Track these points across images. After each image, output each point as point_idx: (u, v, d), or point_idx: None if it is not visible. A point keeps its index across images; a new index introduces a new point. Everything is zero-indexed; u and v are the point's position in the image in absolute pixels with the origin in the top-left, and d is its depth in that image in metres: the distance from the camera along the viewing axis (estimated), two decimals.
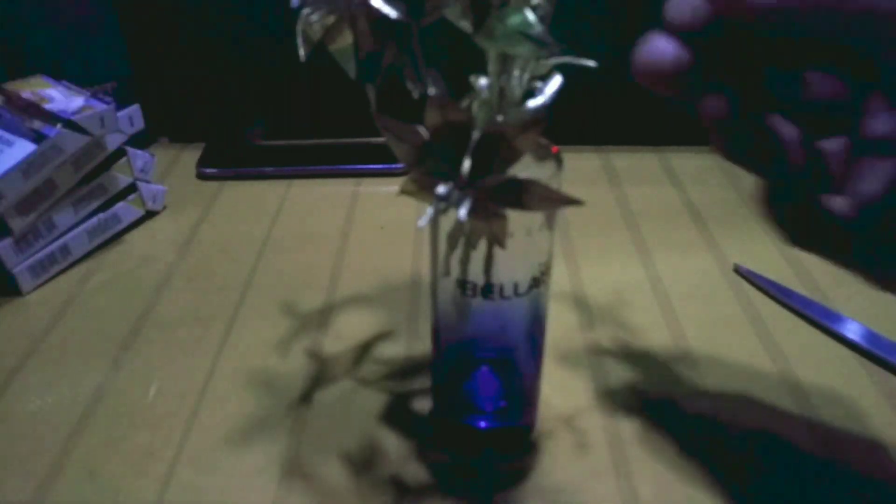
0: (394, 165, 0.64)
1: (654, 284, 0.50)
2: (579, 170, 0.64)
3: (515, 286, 0.32)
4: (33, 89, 0.53)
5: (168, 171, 0.65)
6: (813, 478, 0.37)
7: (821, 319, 0.47)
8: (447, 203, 0.25)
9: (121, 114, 0.53)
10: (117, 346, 0.45)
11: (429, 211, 0.25)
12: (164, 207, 0.59)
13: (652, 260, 0.53)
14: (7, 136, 0.49)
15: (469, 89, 0.28)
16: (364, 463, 0.37)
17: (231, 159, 0.65)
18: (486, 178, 0.26)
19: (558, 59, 0.27)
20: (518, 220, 0.28)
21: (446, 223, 0.31)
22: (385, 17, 0.25)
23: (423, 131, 0.26)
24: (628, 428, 0.39)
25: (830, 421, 0.40)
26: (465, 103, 0.28)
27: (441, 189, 0.25)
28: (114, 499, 0.35)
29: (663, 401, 0.41)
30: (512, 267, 0.31)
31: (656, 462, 0.37)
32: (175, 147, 0.69)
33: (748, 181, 0.63)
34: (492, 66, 0.27)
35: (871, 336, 0.45)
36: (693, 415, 0.40)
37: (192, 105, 0.69)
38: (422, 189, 0.27)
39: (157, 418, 0.40)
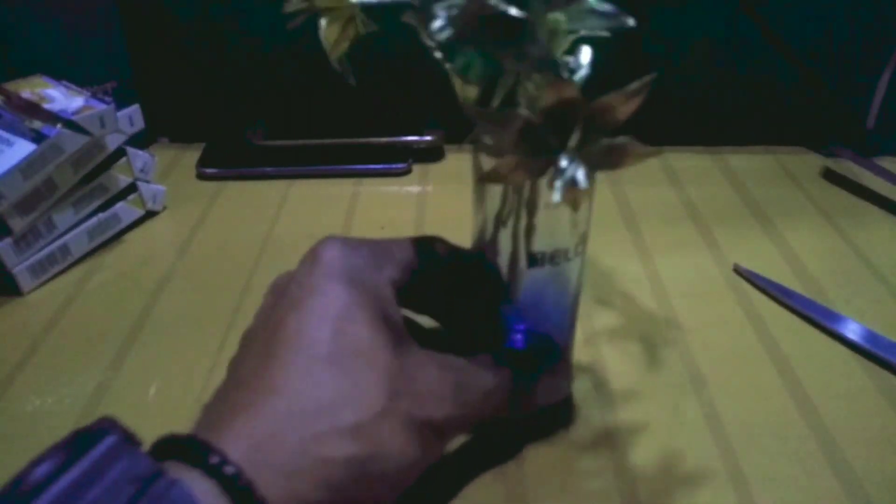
0: (394, 165, 0.65)
1: (653, 283, 0.50)
2: None
3: (566, 251, 0.35)
4: (33, 89, 0.53)
5: (168, 171, 0.65)
6: (812, 478, 0.37)
7: (821, 319, 0.47)
8: (566, 174, 0.27)
9: (121, 114, 0.53)
10: (117, 346, 0.45)
11: (557, 184, 0.27)
12: (164, 207, 0.59)
13: (651, 259, 0.53)
14: (7, 135, 0.49)
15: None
16: None
17: (231, 159, 0.65)
18: (591, 146, 0.28)
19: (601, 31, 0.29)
20: None
21: (492, 203, 0.35)
22: (505, 14, 0.26)
23: (522, 113, 0.27)
24: (623, 425, 0.39)
25: (830, 420, 0.40)
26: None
27: (563, 161, 0.27)
28: None
29: (661, 398, 0.41)
30: (556, 235, 0.34)
31: (654, 459, 0.37)
32: (175, 147, 0.69)
33: (747, 181, 0.63)
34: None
35: (871, 336, 0.45)
36: (692, 416, 0.40)
37: (193, 105, 0.69)
38: (516, 170, 0.29)
39: (157, 418, 0.40)
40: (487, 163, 0.34)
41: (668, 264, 0.52)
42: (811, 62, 0.66)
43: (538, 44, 0.27)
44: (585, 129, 0.28)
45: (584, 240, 0.36)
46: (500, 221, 0.35)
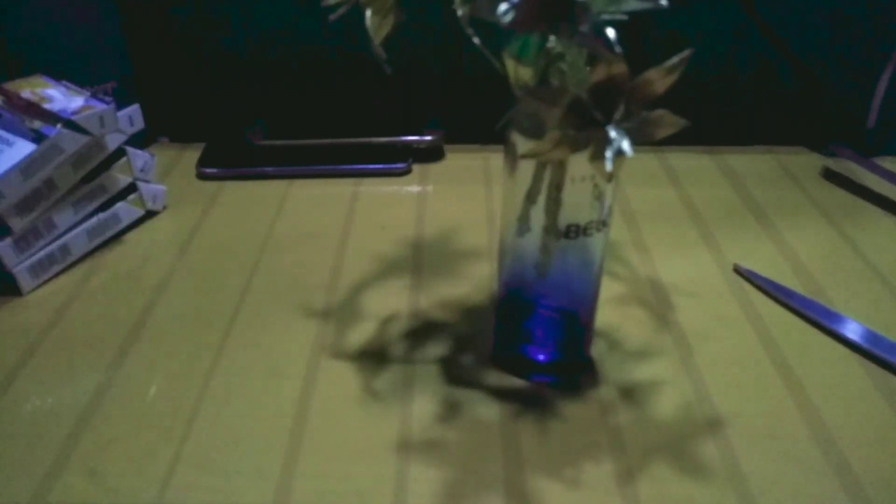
0: (393, 165, 0.65)
1: (653, 283, 0.50)
2: None
3: (593, 224, 0.38)
4: (33, 89, 0.53)
5: (168, 170, 0.65)
6: (812, 478, 0.37)
7: (821, 319, 0.47)
8: (615, 143, 0.30)
9: (121, 113, 0.53)
10: (117, 347, 0.45)
11: (608, 155, 0.30)
12: (165, 207, 0.59)
13: (651, 259, 0.53)
14: (7, 135, 0.49)
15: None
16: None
17: (231, 159, 0.65)
18: (632, 118, 0.30)
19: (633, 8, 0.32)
20: (586, 166, 0.32)
21: (522, 183, 0.37)
22: None
23: (572, 90, 0.30)
24: (624, 421, 0.39)
25: (830, 421, 0.40)
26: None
27: (612, 132, 0.30)
28: (114, 499, 0.35)
29: (663, 400, 0.41)
30: (582, 210, 0.37)
31: (658, 467, 0.37)
32: (175, 147, 0.69)
33: (747, 181, 0.63)
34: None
35: (871, 336, 0.45)
36: (693, 417, 0.40)
37: (193, 104, 0.69)
38: (558, 146, 0.31)
39: (157, 418, 0.40)
40: (522, 144, 0.37)
41: (667, 264, 0.52)
42: (810, 61, 0.66)
43: (593, 23, 0.29)
44: (627, 103, 0.30)
45: (609, 214, 0.38)
46: (531, 198, 0.37)
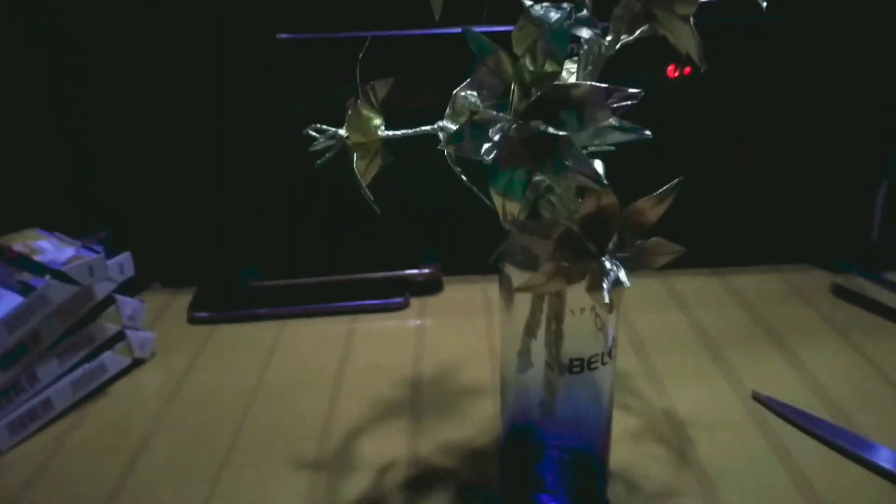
0: (390, 300, 0.63)
1: (669, 416, 0.48)
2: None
3: (597, 357, 0.36)
4: (25, 241, 0.53)
5: (159, 316, 0.63)
6: None
7: (850, 447, 0.44)
8: (611, 274, 0.30)
9: (111, 261, 0.53)
10: None
11: (605, 287, 0.30)
12: (153, 354, 0.57)
13: (664, 389, 0.50)
14: None
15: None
16: None
17: (223, 302, 0.64)
18: (626, 248, 0.31)
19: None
20: (586, 296, 0.31)
21: (520, 316, 0.36)
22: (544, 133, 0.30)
23: (563, 222, 0.30)
24: None
25: None
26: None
27: (607, 263, 0.30)
28: None
29: None
30: (584, 342, 0.36)
31: None
32: (167, 291, 0.67)
33: (756, 302, 0.61)
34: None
35: None
36: None
37: (185, 249, 0.69)
38: (553, 279, 0.31)
39: None
40: (517, 277, 0.36)
41: (682, 394, 0.50)
42: (811, 177, 0.66)
43: (578, 157, 0.29)
44: (621, 233, 0.31)
45: (614, 344, 0.37)
46: (530, 332, 0.36)
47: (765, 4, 0.33)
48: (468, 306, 0.63)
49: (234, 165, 0.66)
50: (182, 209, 0.68)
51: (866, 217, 0.66)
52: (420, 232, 0.68)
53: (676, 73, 0.63)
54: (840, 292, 0.63)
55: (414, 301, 0.64)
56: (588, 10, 0.33)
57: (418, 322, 0.61)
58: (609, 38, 0.33)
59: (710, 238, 0.67)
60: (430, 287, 0.66)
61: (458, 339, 0.58)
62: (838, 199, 0.66)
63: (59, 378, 0.50)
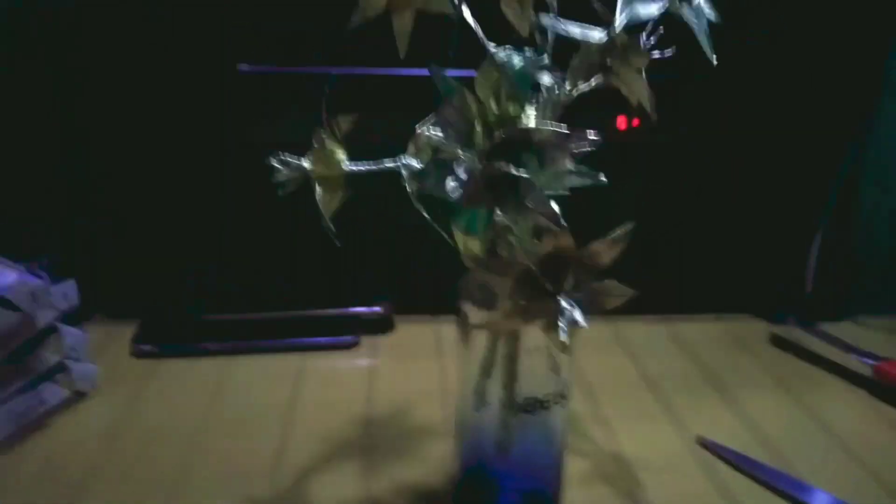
0: (341, 338, 0.63)
1: (617, 458, 0.48)
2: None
3: (551, 398, 0.37)
4: None
5: (102, 348, 0.61)
6: None
7: (789, 490, 0.45)
8: (567, 314, 0.31)
9: (55, 288, 0.51)
10: None
11: (562, 326, 0.31)
12: (95, 388, 0.55)
13: (612, 432, 0.51)
14: None
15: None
16: None
17: (169, 335, 0.62)
18: (581, 288, 0.31)
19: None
20: (540, 337, 0.32)
21: (477, 354, 0.37)
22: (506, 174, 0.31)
23: (521, 261, 0.31)
24: None
25: None
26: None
27: (564, 303, 0.31)
28: None
29: None
30: (538, 383, 0.37)
31: None
32: (111, 323, 0.65)
33: (700, 349, 0.63)
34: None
35: None
36: None
37: (129, 280, 0.67)
38: (510, 317, 0.32)
39: None
40: (475, 315, 0.37)
41: (630, 438, 0.51)
42: (748, 228, 0.68)
43: (539, 198, 0.31)
44: (576, 274, 0.31)
45: (568, 386, 0.38)
46: (486, 371, 0.37)
47: (715, 61, 0.35)
48: (420, 346, 0.63)
49: (187, 194, 0.65)
50: (127, 237, 0.66)
51: (801, 270, 0.69)
52: (373, 270, 0.68)
53: (625, 126, 0.65)
54: (778, 342, 0.65)
55: (365, 340, 0.64)
56: (549, 58, 0.35)
57: (370, 361, 0.61)
58: (567, 86, 0.35)
59: (656, 286, 0.69)
60: (381, 326, 0.65)
61: (409, 379, 0.58)
62: (776, 253, 0.69)
63: None
